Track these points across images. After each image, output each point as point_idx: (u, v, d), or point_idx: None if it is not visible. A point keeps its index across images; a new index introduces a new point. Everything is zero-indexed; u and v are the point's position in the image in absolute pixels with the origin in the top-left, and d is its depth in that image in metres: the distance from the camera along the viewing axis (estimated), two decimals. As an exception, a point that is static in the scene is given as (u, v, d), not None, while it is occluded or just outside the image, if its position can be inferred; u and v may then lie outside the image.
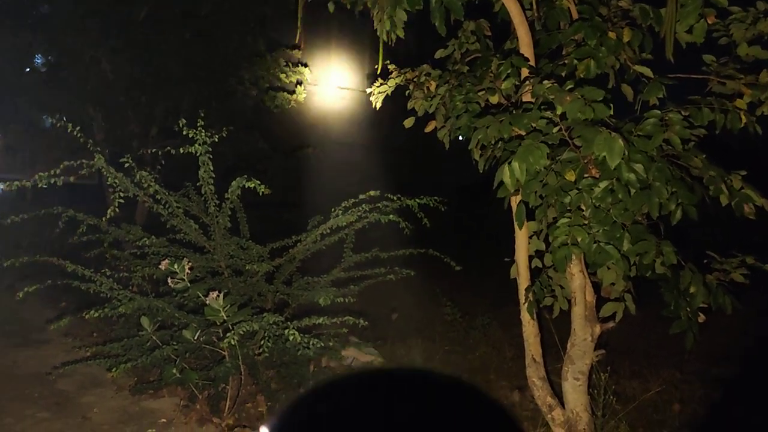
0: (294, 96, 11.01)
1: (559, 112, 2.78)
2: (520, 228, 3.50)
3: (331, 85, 14.50)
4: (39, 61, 9.13)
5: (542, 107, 2.91)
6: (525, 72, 3.28)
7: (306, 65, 11.09)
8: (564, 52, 3.40)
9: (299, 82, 11.11)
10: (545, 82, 2.84)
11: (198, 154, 3.84)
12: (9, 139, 16.51)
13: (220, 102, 8.54)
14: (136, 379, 4.30)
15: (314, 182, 12.52)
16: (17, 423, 3.61)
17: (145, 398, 4.08)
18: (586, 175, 2.90)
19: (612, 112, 2.81)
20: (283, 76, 10.27)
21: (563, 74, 3.16)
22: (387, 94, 4.02)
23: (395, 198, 4.55)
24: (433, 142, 3.90)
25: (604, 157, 2.67)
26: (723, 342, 5.47)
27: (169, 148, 4.00)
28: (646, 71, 3.14)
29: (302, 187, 12.28)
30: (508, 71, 3.24)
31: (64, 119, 4.09)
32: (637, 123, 2.89)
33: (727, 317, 3.23)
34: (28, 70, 8.81)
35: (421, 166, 13.98)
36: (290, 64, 10.49)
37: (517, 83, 3.32)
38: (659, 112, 2.84)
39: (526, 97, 3.21)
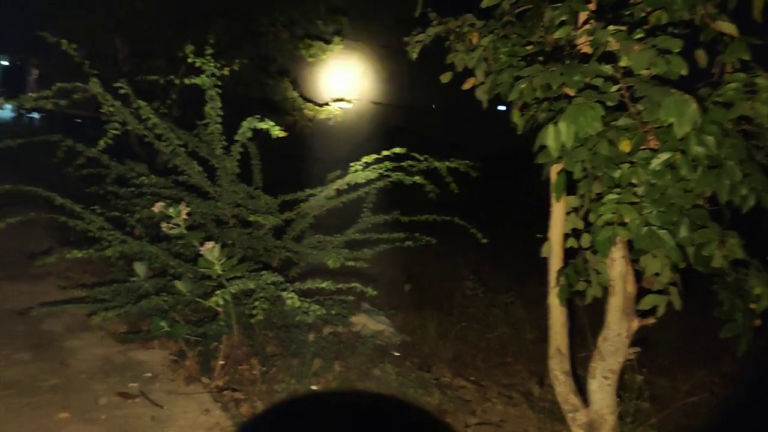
0: (331, 46, 10.53)
1: (622, 64, 2.30)
2: (558, 201, 3.07)
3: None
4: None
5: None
6: (584, 18, 2.80)
7: (346, 14, 10.58)
8: (631, 1, 2.91)
9: (337, 32, 10.61)
10: (610, 27, 2.36)
11: (205, 87, 3.46)
12: (43, 70, 16.54)
13: (250, 43, 8.13)
14: (127, 328, 4.04)
15: (346, 140, 12.13)
16: (-10, 362, 3.39)
17: (134, 347, 3.81)
18: (643, 147, 2.46)
19: (686, 72, 2.33)
20: (320, 23, 9.79)
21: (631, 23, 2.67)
22: (425, 44, 3.60)
23: (422, 158, 4.14)
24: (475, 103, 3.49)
25: (670, 125, 2.22)
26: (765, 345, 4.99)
27: (171, 77, 3.64)
28: (731, 29, 2.63)
29: (333, 143, 11.90)
30: (564, 17, 2.77)
31: (74, 45, 3.78)
32: (714, 88, 2.42)
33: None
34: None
35: (462, 130, 13.50)
36: (329, 12, 9.99)
37: (574, 34, 2.85)
38: (744, 75, 2.35)
39: (583, 48, 2.73)
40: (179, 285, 3.39)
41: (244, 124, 3.63)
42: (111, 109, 3.50)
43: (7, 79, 24.63)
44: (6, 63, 25.44)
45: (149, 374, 3.52)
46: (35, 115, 18.35)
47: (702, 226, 2.45)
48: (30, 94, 3.40)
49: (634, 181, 2.44)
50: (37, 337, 3.79)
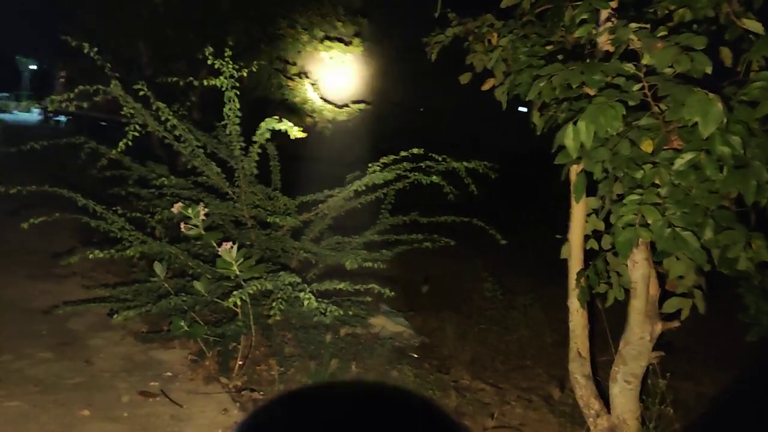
0: (350, 48, 10.53)
1: (645, 62, 2.26)
2: (578, 202, 3.03)
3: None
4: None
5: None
6: (605, 17, 2.76)
7: (365, 16, 10.58)
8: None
9: (357, 34, 10.62)
10: (632, 24, 2.32)
11: (223, 89, 3.49)
12: (69, 73, 16.79)
13: (268, 44, 8.17)
14: (148, 327, 4.08)
15: (366, 141, 12.13)
16: (15, 361, 3.43)
17: (155, 347, 3.84)
18: (666, 147, 2.41)
19: (711, 70, 2.28)
20: (340, 24, 9.81)
21: (654, 20, 2.63)
22: (444, 44, 3.59)
23: (440, 159, 4.12)
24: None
25: (694, 124, 2.17)
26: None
27: (191, 79, 3.68)
28: (756, 26, 2.57)
29: (353, 144, 11.90)
30: (585, 16, 2.73)
31: (96, 48, 3.84)
32: (739, 87, 2.37)
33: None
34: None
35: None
36: (349, 14, 10.00)
37: (595, 32, 2.81)
38: (770, 74, 2.29)
39: (605, 46, 2.69)
40: (198, 285, 3.41)
41: (263, 125, 3.65)
42: (131, 111, 3.55)
43: (35, 82, 25.15)
44: (34, 67, 26.01)
45: (169, 373, 3.54)
46: (62, 118, 18.64)
47: (727, 227, 2.39)
48: (53, 96, 3.46)
49: (656, 181, 2.40)
50: (61, 336, 3.84)
